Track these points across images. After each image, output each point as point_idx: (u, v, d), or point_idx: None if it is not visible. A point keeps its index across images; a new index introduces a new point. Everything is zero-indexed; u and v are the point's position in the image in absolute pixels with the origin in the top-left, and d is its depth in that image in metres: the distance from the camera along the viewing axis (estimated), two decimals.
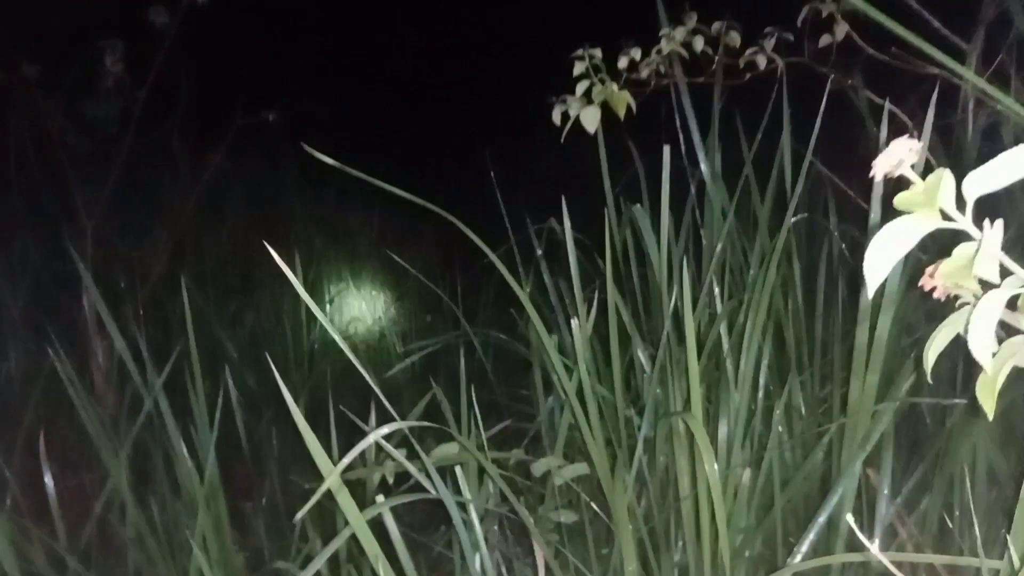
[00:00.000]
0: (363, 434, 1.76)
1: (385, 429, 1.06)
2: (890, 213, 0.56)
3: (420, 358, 2.78)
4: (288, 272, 0.97)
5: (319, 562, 1.03)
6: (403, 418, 1.97)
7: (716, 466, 1.08)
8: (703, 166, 1.86)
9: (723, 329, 1.43)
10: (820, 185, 2.05)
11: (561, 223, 2.26)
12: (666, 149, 1.48)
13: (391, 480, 1.58)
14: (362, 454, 1.81)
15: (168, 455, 1.75)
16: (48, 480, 1.54)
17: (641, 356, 1.69)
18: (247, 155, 3.89)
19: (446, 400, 1.98)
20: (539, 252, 2.18)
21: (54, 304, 3.14)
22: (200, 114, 3.41)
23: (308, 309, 3.90)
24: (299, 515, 0.97)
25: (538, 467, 1.47)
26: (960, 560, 1.07)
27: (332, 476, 0.98)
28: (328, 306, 4.02)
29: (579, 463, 1.47)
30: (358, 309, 4.15)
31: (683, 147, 1.88)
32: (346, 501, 1.01)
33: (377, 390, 1.23)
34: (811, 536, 1.19)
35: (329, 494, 1.85)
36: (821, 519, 1.20)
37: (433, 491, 1.21)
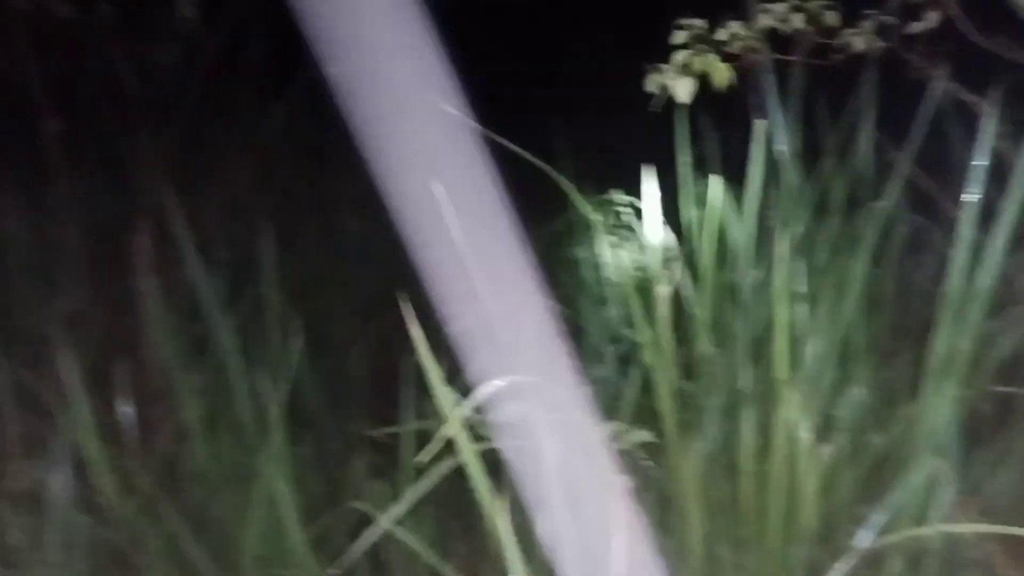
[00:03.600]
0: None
1: (499, 381, 1.06)
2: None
3: None
4: None
5: (422, 489, 1.03)
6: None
7: (806, 437, 1.09)
8: (781, 146, 1.84)
9: (804, 309, 1.42)
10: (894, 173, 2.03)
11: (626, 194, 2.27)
12: (758, 123, 1.48)
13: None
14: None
15: (232, 393, 1.80)
16: (126, 408, 1.58)
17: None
18: (300, 110, 3.91)
19: None
20: (597, 223, 2.19)
21: (113, 242, 3.22)
22: (267, 65, 3.44)
23: (354, 267, 3.98)
24: (422, 455, 0.99)
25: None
26: None
27: (456, 417, 0.99)
28: (369, 265, 4.06)
29: (642, 430, 1.48)
30: (398, 270, 4.19)
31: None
32: (463, 440, 1.03)
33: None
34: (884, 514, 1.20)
35: (389, 448, 1.89)
36: (895, 497, 1.20)
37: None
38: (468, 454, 1.02)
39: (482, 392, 1.02)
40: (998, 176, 1.79)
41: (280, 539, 1.45)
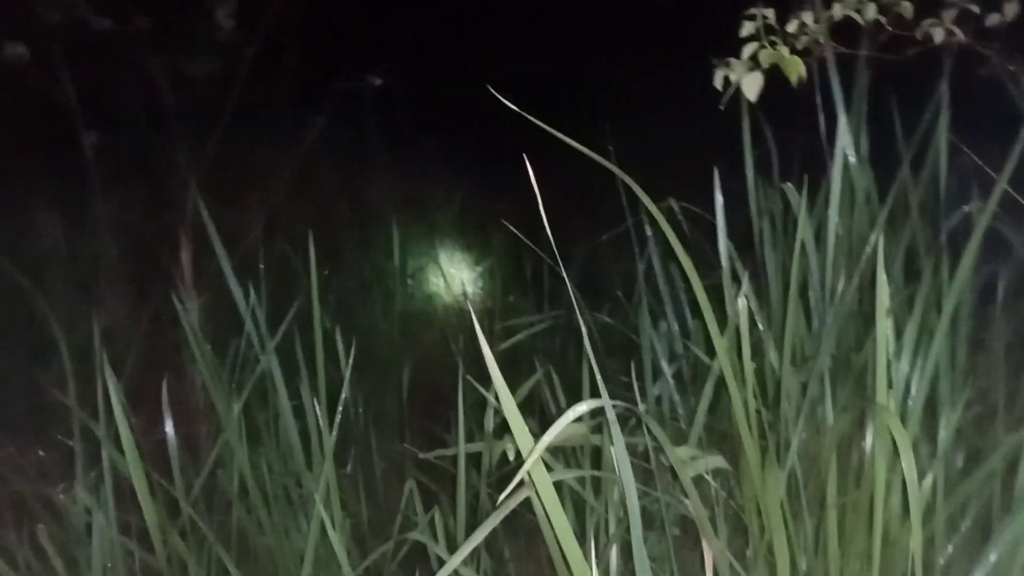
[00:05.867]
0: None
1: (584, 407, 0.97)
2: None
3: (501, 338, 2.72)
4: None
5: (492, 522, 0.93)
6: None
7: (915, 472, 0.98)
8: (847, 148, 1.73)
9: (889, 326, 1.31)
10: (973, 174, 1.91)
11: (682, 201, 2.16)
12: (842, 120, 1.37)
13: (512, 456, 1.52)
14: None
15: (277, 415, 1.73)
16: (168, 429, 1.52)
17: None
18: (340, 123, 3.86)
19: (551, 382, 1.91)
20: (649, 233, 2.09)
21: (150, 258, 3.17)
22: (304, 75, 3.39)
23: (396, 282, 3.90)
24: (508, 491, 0.90)
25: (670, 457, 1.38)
26: None
27: (539, 447, 0.89)
28: (409, 281, 3.99)
29: (714, 455, 1.38)
30: (438, 285, 4.11)
31: (823, 125, 1.76)
32: (539, 471, 0.93)
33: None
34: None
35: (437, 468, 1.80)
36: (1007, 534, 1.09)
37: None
38: (545, 487, 0.92)
39: (563, 420, 0.92)
40: None
41: (331, 570, 1.37)
